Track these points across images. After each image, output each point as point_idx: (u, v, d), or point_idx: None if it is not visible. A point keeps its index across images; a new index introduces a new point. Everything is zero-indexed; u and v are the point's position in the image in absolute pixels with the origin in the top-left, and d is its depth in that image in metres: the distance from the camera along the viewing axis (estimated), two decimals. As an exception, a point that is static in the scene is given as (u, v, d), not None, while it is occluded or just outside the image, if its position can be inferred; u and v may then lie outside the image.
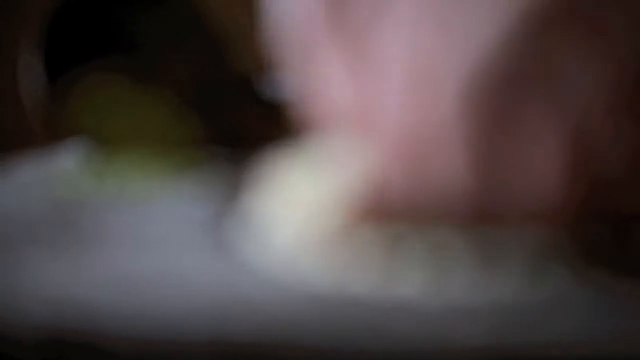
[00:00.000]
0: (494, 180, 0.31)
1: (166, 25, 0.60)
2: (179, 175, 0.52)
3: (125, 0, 0.60)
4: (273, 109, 0.60)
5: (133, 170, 0.51)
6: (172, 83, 0.60)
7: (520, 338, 0.27)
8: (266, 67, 0.61)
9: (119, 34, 0.60)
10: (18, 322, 0.28)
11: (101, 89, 0.58)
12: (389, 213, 0.31)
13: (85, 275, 0.33)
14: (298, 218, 0.34)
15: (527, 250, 0.30)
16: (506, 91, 0.31)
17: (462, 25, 0.31)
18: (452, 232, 0.30)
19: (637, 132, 0.32)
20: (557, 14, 0.31)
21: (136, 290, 0.31)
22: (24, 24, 0.57)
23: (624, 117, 0.32)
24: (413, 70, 0.32)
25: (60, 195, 0.49)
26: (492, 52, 0.31)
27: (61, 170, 0.54)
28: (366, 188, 0.32)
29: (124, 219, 0.43)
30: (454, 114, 0.31)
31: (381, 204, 0.32)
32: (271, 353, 0.26)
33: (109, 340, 0.27)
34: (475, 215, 0.30)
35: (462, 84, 0.31)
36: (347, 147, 0.34)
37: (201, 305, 0.29)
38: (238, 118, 0.58)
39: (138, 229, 0.40)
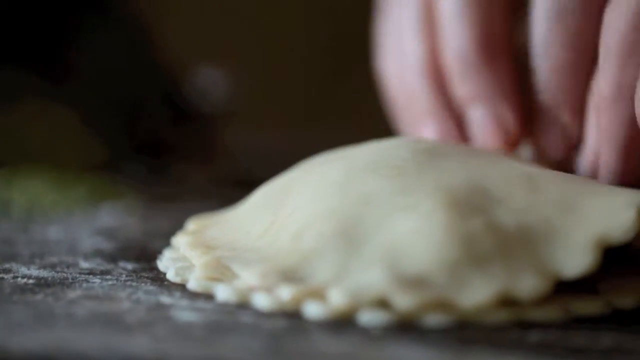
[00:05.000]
0: None
1: (81, 33, 0.59)
2: (92, 196, 0.50)
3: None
4: (194, 120, 0.59)
5: (41, 191, 0.49)
6: (85, 95, 0.59)
7: None
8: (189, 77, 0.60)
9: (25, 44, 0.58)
10: None
11: (8, 105, 0.56)
12: None
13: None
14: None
15: None
16: None
17: None
18: None
19: None
20: None
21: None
22: None
23: None
24: None
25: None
26: None
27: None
28: None
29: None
30: None
31: None
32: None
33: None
34: None
35: None
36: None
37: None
38: (156, 129, 0.57)
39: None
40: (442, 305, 0.29)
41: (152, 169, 0.59)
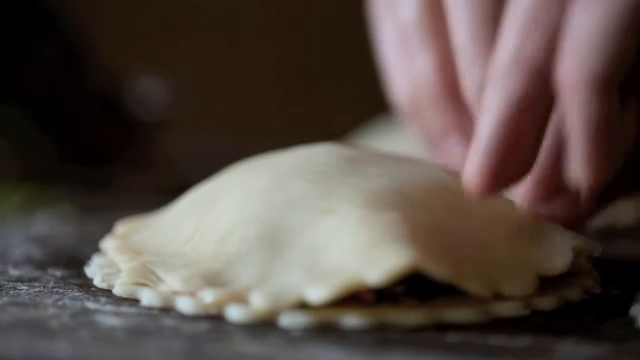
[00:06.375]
0: None
1: (22, 46, 0.59)
2: (27, 205, 0.50)
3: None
4: (132, 127, 0.59)
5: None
6: (24, 101, 0.58)
7: None
8: (127, 85, 0.60)
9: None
10: None
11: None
12: None
13: None
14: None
15: None
16: None
17: None
18: None
19: None
20: None
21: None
22: None
23: None
24: None
25: None
26: None
27: None
28: None
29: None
30: None
31: None
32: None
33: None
34: None
35: None
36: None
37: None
38: (96, 137, 0.57)
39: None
40: (362, 308, 0.29)
41: (91, 178, 0.59)
